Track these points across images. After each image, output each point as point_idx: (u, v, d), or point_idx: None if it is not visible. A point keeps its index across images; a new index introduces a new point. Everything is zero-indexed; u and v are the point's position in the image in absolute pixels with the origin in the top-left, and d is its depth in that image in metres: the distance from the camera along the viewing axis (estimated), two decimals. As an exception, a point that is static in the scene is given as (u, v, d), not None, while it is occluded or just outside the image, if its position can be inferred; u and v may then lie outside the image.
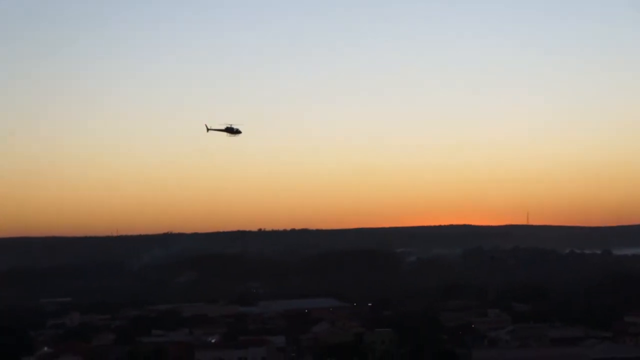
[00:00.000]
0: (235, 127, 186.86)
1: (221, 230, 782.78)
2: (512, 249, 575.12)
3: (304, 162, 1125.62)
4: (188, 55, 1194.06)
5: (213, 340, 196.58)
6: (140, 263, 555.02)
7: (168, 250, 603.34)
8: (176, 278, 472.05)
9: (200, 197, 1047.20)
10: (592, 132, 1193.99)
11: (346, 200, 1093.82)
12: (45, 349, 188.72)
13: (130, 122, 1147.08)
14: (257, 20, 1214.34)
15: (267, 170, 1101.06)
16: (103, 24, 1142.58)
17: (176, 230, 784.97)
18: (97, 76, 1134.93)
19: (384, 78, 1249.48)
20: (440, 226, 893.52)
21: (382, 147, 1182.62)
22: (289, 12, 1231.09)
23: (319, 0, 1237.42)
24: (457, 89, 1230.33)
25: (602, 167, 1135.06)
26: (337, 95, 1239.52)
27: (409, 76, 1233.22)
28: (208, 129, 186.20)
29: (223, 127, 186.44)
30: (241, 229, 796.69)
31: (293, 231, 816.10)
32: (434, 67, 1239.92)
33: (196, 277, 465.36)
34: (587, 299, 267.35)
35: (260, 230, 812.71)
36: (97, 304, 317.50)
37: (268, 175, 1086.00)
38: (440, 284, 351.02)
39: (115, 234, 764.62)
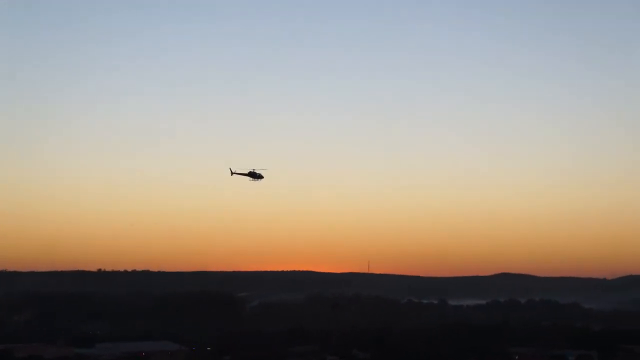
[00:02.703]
0: (257, 172, 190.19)
1: (59, 269, 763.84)
2: (353, 296, 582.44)
3: (145, 203, 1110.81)
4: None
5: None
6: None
7: (4, 288, 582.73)
8: (12, 317, 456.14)
9: (38, 235, 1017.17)
10: (429, 183, 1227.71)
11: (189, 242, 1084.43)
12: None
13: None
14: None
15: (107, 210, 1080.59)
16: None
17: (12, 268, 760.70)
18: None
19: (219, 123, 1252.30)
20: (283, 271, 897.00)
21: (224, 190, 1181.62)
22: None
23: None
24: (298, 138, 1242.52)
25: (439, 218, 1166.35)
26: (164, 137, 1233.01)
27: (249, 118, 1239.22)
28: (232, 173, 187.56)
29: (246, 172, 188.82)
30: (80, 268, 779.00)
31: (134, 272, 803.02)
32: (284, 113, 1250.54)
33: (33, 317, 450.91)
34: (424, 347, 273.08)
35: (100, 270, 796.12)
36: None
37: (108, 214, 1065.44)
38: (282, 329, 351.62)
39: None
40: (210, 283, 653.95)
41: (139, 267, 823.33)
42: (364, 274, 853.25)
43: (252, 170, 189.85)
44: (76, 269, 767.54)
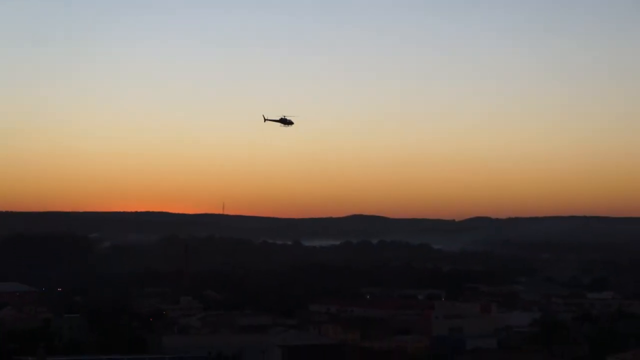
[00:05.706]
0: (288, 118, 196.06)
1: None
2: (207, 237, 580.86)
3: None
4: None
5: None
6: None
7: None
8: None
9: None
10: (296, 130, 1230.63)
11: (38, 182, 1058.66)
12: None
13: None
14: None
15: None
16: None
17: None
18: None
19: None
20: (136, 212, 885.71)
21: (74, 128, 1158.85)
22: None
23: None
24: (141, 75, 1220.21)
25: (292, 160, 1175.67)
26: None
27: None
28: (265, 119, 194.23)
29: (278, 118, 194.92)
30: None
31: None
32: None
33: None
34: (277, 288, 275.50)
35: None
36: None
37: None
38: (135, 270, 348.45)
39: None
40: (60, 224, 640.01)
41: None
42: (218, 215, 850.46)
43: (283, 117, 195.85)
44: None
